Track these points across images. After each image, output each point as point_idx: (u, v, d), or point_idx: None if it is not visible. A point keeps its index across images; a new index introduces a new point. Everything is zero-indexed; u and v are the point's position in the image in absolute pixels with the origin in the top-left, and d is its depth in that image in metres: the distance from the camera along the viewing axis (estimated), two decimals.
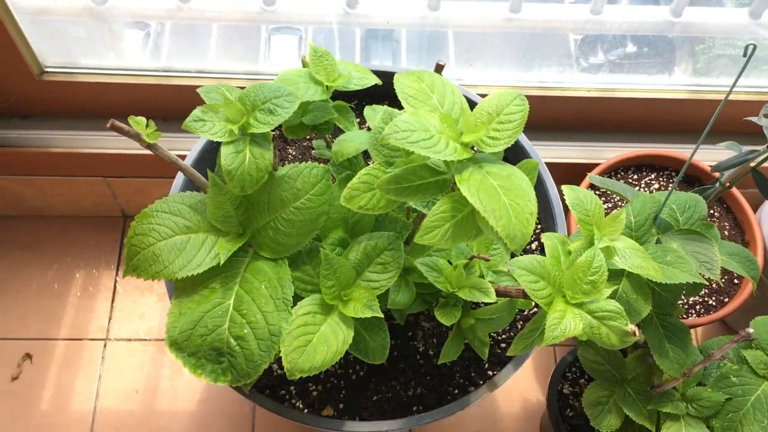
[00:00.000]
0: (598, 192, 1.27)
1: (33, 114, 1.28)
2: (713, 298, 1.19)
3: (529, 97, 0.67)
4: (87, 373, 1.35)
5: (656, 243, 0.91)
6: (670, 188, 0.94)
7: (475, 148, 0.65)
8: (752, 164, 0.94)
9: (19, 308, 1.40)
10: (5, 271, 1.44)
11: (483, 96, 0.71)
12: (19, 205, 1.44)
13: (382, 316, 0.76)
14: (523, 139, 1.05)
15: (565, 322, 0.70)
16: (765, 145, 0.90)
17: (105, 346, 1.38)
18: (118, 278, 1.45)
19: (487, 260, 0.83)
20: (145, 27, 1.27)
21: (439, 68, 0.83)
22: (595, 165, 1.27)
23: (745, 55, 0.75)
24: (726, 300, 1.19)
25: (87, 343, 1.38)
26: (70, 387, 1.34)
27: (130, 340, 1.39)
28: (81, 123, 1.28)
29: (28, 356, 1.36)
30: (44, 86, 1.21)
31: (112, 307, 1.42)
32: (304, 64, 0.86)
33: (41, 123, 1.27)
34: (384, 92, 0.93)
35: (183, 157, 0.92)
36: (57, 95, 1.23)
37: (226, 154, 0.71)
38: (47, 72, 1.21)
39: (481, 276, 0.83)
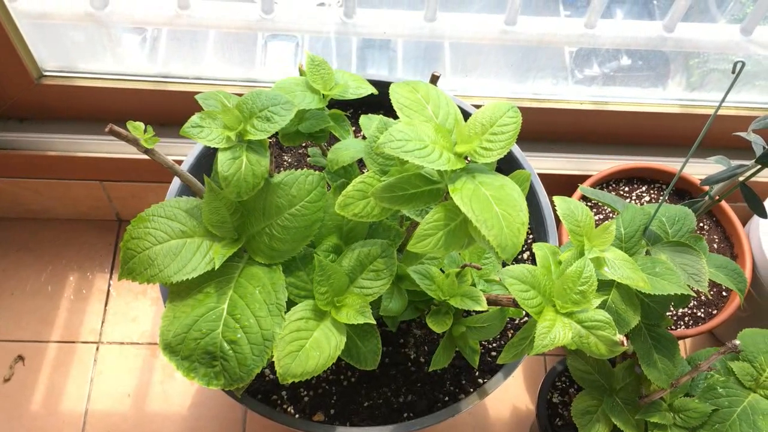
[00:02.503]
0: (589, 203, 1.28)
1: (30, 117, 1.28)
2: (702, 310, 1.21)
3: (522, 109, 0.68)
4: (79, 376, 1.35)
5: (645, 254, 0.92)
6: (659, 201, 0.95)
7: (469, 159, 0.66)
8: (741, 178, 0.95)
9: (13, 310, 1.41)
10: (0, 273, 1.44)
11: (477, 107, 0.72)
12: (15, 207, 1.45)
13: (375, 322, 0.77)
14: (516, 150, 1.06)
15: (555, 331, 0.71)
16: (753, 160, 0.91)
17: (97, 349, 1.38)
18: (111, 281, 1.45)
19: (478, 269, 0.84)
20: (142, 32, 1.28)
21: (434, 79, 0.84)
22: (587, 176, 1.29)
23: (733, 72, 0.77)
24: (714, 312, 1.20)
25: (79, 345, 1.38)
26: (61, 390, 1.34)
27: (122, 343, 1.39)
28: (78, 127, 1.29)
29: (21, 358, 1.36)
30: (42, 90, 1.22)
31: (105, 310, 1.42)
32: (301, 73, 0.87)
33: (38, 126, 1.28)
34: (380, 102, 0.94)
35: (180, 162, 0.93)
36: (55, 99, 1.24)
37: (223, 161, 0.72)
38: (46, 76, 1.21)
39: (473, 285, 0.84)
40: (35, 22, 1.14)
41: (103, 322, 1.41)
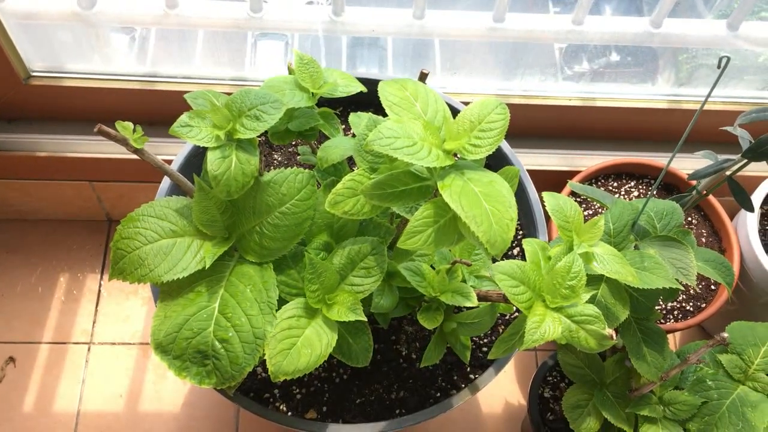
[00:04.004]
0: (578, 199, 1.29)
1: (19, 118, 1.28)
2: (691, 304, 1.21)
3: (512, 105, 0.69)
4: (71, 377, 1.35)
5: (634, 249, 0.93)
6: (647, 195, 0.96)
7: (458, 155, 0.67)
8: (728, 173, 0.96)
9: (3, 311, 1.40)
10: None
11: (467, 104, 0.72)
12: (4, 208, 1.44)
13: (366, 319, 0.77)
14: (505, 146, 1.07)
15: (545, 326, 0.72)
16: (740, 155, 0.92)
17: (89, 349, 1.38)
18: (102, 282, 1.45)
19: (468, 265, 0.84)
20: (131, 31, 1.28)
21: (423, 77, 0.84)
22: (576, 172, 1.29)
23: (719, 67, 0.77)
24: (703, 305, 1.21)
25: (71, 346, 1.38)
26: (53, 391, 1.34)
27: (114, 343, 1.39)
28: (67, 127, 1.28)
29: (12, 360, 1.36)
30: (30, 90, 1.21)
31: (96, 310, 1.42)
32: (290, 71, 0.87)
33: (27, 127, 1.28)
34: (369, 99, 0.94)
35: (169, 161, 0.93)
36: (43, 99, 1.24)
37: (212, 160, 0.72)
38: (33, 76, 1.21)
39: (463, 281, 0.84)
40: (22, 22, 1.14)
41: (94, 323, 1.41)
